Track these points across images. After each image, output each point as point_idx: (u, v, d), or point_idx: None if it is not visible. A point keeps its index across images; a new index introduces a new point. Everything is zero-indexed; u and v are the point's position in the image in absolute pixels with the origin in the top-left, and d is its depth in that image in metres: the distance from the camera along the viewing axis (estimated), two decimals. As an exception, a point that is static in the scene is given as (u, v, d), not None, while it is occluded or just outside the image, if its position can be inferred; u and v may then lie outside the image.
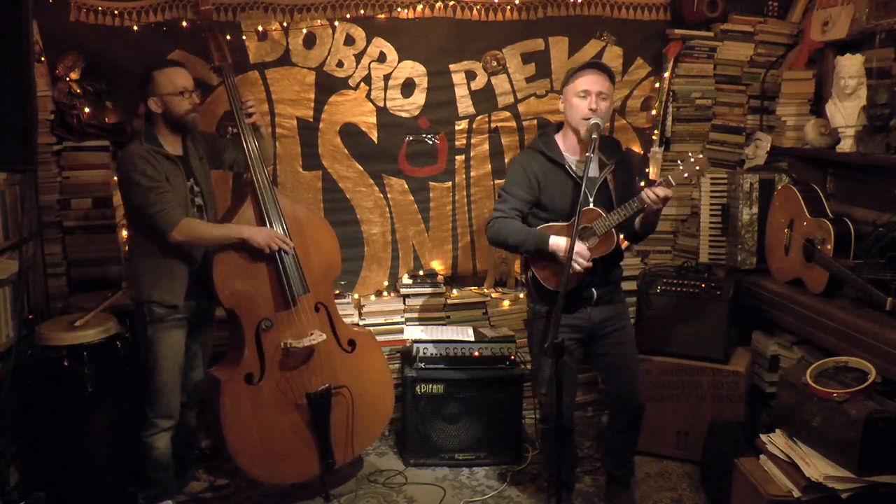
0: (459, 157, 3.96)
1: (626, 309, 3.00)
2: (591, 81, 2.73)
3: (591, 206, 2.77)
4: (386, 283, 4.02)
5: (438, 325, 3.86)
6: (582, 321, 2.86)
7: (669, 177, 2.63)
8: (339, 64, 3.75)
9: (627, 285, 3.59)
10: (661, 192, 2.60)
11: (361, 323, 3.80)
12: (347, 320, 3.70)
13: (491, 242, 2.92)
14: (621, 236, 2.90)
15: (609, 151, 2.87)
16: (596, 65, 2.81)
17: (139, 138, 2.86)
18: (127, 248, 3.01)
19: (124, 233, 3.45)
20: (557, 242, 2.72)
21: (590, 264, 2.70)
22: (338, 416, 3.12)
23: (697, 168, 2.63)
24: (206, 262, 2.95)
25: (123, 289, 3.25)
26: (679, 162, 2.68)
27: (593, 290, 2.84)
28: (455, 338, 3.59)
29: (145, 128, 2.88)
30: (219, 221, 3.06)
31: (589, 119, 2.71)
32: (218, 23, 3.54)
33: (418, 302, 3.90)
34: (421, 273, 3.99)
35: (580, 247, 2.68)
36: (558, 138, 2.89)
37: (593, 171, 2.80)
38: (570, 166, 2.82)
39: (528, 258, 2.88)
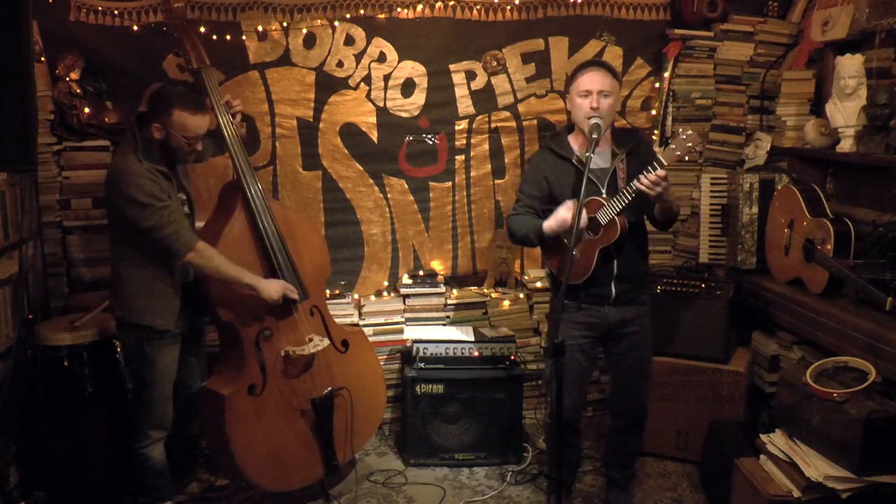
0: (459, 157, 3.96)
1: (648, 313, 2.94)
2: (591, 80, 2.73)
3: (604, 195, 2.76)
4: (386, 283, 4.02)
5: (438, 325, 3.86)
6: (597, 319, 2.85)
7: (661, 157, 2.62)
8: (339, 64, 3.75)
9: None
10: (651, 177, 2.58)
11: (361, 323, 3.80)
12: (347, 320, 3.71)
13: (510, 239, 3.00)
14: (642, 224, 2.90)
15: (623, 142, 2.86)
16: (596, 63, 2.81)
17: (135, 154, 2.67)
18: (110, 267, 2.84)
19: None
20: (549, 224, 2.76)
21: (568, 215, 2.68)
22: (338, 417, 3.12)
23: (689, 144, 2.60)
24: (199, 277, 2.85)
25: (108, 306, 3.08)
26: (669, 141, 2.67)
27: (611, 285, 2.81)
28: (455, 338, 3.59)
29: (142, 143, 2.70)
30: (209, 227, 2.96)
31: (591, 118, 2.71)
32: (218, 22, 3.55)
33: (418, 302, 3.89)
34: (421, 273, 3.99)
35: (564, 211, 2.69)
36: (571, 138, 2.90)
37: (605, 162, 2.81)
38: (578, 161, 2.82)
39: (543, 254, 2.89)
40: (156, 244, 2.67)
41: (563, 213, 2.70)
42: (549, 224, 2.75)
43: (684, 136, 2.61)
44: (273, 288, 2.86)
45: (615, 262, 2.80)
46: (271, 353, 2.96)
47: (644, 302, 2.93)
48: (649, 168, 2.59)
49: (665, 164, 2.60)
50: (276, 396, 2.97)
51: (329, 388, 3.07)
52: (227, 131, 2.93)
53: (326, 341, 3.04)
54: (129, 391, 3.06)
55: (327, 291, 3.59)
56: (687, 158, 2.65)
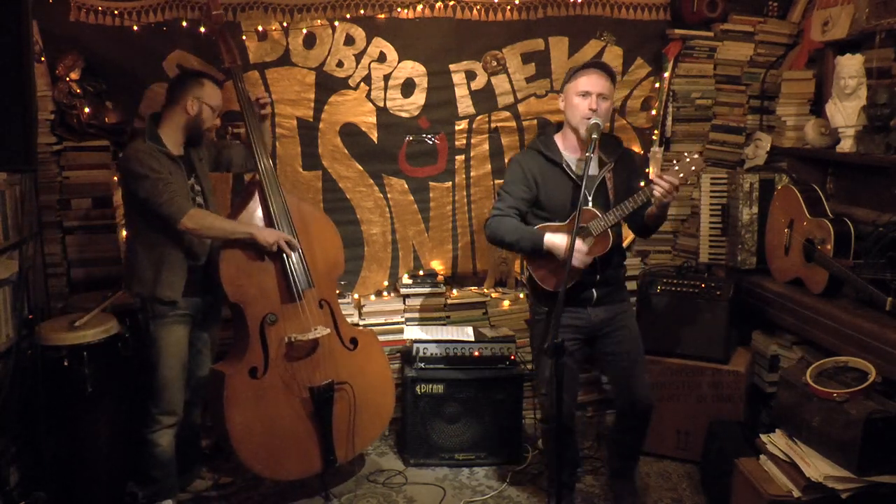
0: (459, 157, 3.96)
1: (630, 308, 2.99)
2: (592, 82, 2.73)
3: (590, 205, 2.76)
4: (386, 283, 4.02)
5: (438, 325, 3.86)
6: (582, 321, 2.86)
7: (665, 177, 2.62)
8: (339, 64, 3.75)
9: (627, 285, 3.60)
10: (672, 180, 2.55)
11: (361, 323, 3.80)
12: (348, 320, 3.71)
13: (489, 240, 2.93)
14: (624, 233, 2.90)
15: (609, 150, 2.87)
16: (597, 65, 2.81)
17: (142, 136, 2.88)
18: (126, 247, 3.04)
19: (124, 233, 3.45)
20: (552, 240, 2.71)
21: (589, 259, 2.71)
22: (340, 412, 3.13)
23: (693, 168, 2.62)
24: (212, 258, 2.98)
25: (123, 289, 3.24)
26: (674, 161, 2.67)
27: (593, 290, 2.83)
28: (455, 338, 3.59)
29: (149, 126, 2.90)
30: (228, 216, 3.10)
31: (589, 119, 2.71)
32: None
33: (418, 302, 3.90)
34: (421, 273, 3.98)
35: (578, 244, 2.68)
36: (558, 138, 2.89)
37: (592, 169, 2.80)
38: (567, 165, 2.82)
39: (525, 258, 2.89)
40: (157, 216, 2.79)
41: (578, 245, 2.67)
42: (553, 243, 2.71)
43: (689, 160, 2.61)
44: (269, 232, 2.98)
45: (598, 270, 2.80)
46: (275, 339, 3.01)
47: (625, 298, 2.95)
48: (656, 179, 2.58)
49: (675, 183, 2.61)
50: (277, 382, 3.01)
51: (329, 380, 3.08)
52: (250, 124, 3.08)
53: (328, 329, 3.09)
54: (132, 388, 3.08)
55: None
56: (689, 181, 2.66)
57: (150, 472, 2.98)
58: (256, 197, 3.08)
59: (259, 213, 3.08)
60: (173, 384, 2.93)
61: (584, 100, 2.72)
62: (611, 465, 3.18)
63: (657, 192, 2.58)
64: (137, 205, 2.84)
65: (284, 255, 3.01)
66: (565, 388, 2.80)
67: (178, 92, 2.92)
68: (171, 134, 2.92)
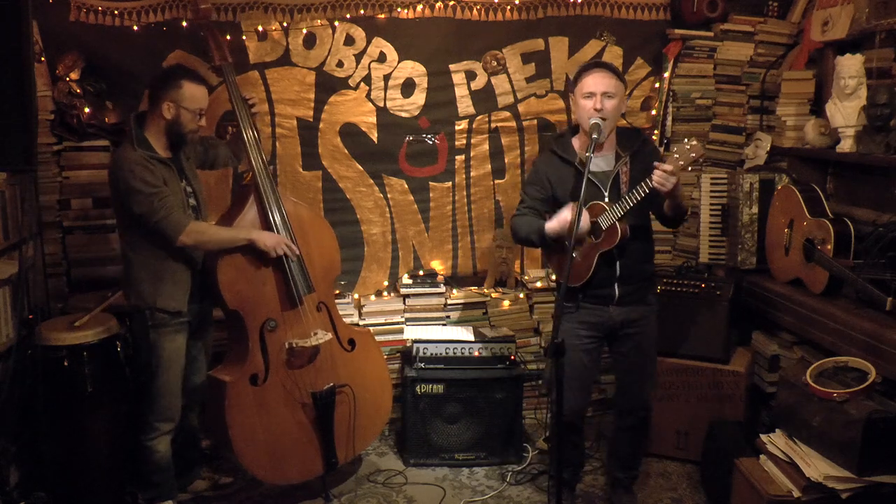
0: (459, 157, 3.96)
1: (654, 314, 2.93)
2: (595, 82, 2.73)
3: (606, 199, 2.76)
4: (386, 283, 4.02)
5: (438, 325, 3.86)
6: (601, 319, 2.84)
7: (661, 165, 2.61)
8: (339, 64, 3.76)
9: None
10: (667, 167, 2.54)
11: (361, 323, 3.80)
12: (347, 320, 3.70)
13: (513, 239, 3.04)
14: (650, 226, 2.90)
15: (626, 143, 2.85)
16: (600, 64, 2.80)
17: (130, 143, 2.77)
18: (122, 258, 2.93)
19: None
20: (551, 225, 2.75)
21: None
22: (340, 415, 3.13)
23: (693, 154, 2.60)
24: (207, 265, 2.93)
25: (120, 295, 3.22)
26: (673, 149, 2.67)
27: (615, 286, 2.81)
28: (455, 338, 3.59)
29: (135, 131, 2.79)
30: (221, 222, 3.05)
31: (592, 119, 2.71)
32: (218, 23, 3.55)
33: (418, 302, 3.90)
34: (421, 273, 3.99)
35: (566, 213, 2.69)
36: (575, 140, 2.90)
37: (608, 165, 2.81)
38: (579, 163, 2.82)
39: (546, 256, 2.89)
40: (154, 232, 2.73)
41: (565, 215, 2.69)
42: (552, 225, 2.74)
43: (688, 147, 2.60)
44: (269, 236, 2.92)
45: (618, 264, 2.79)
46: (275, 345, 2.99)
47: (649, 302, 2.92)
48: (655, 168, 2.58)
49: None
50: (278, 388, 3.00)
51: (331, 384, 3.08)
52: (242, 123, 3.02)
53: (329, 335, 3.07)
54: (131, 389, 3.07)
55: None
56: (689, 169, 2.65)
57: (148, 477, 2.96)
58: (252, 200, 3.01)
59: (254, 216, 2.99)
60: (172, 392, 2.91)
61: (589, 101, 2.73)
62: (612, 474, 3.17)
63: (655, 179, 2.57)
64: (132, 216, 2.75)
65: (285, 259, 2.97)
66: (578, 387, 2.82)
67: (155, 94, 2.80)
68: (155, 137, 2.82)
